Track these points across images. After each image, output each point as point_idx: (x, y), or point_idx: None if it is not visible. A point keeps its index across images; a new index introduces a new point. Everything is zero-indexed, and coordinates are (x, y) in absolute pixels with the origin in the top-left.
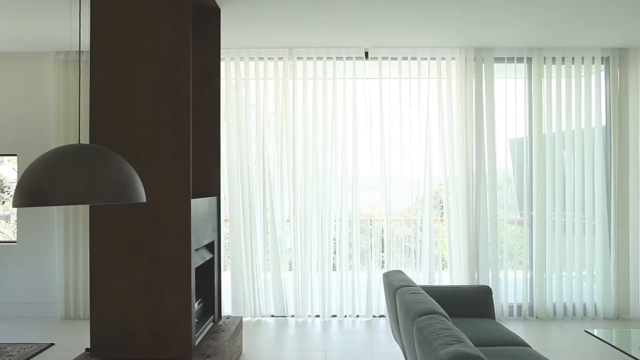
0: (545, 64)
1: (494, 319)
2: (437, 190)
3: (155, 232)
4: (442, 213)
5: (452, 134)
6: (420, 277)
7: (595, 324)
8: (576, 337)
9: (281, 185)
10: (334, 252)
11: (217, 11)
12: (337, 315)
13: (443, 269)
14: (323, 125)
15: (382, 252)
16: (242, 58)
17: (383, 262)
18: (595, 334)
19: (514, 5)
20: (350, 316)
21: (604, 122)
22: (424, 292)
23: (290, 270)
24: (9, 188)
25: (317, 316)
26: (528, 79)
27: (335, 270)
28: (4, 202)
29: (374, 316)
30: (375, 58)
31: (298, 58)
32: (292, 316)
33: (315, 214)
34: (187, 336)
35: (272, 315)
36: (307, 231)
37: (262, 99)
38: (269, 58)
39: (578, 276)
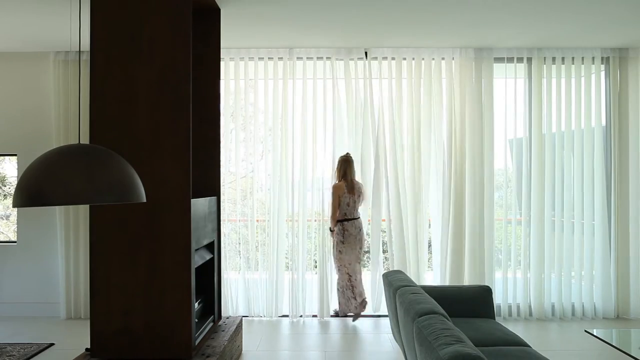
0: (545, 64)
1: (494, 319)
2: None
3: (155, 232)
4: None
5: (452, 133)
6: (421, 277)
7: (595, 324)
8: (576, 337)
9: (280, 186)
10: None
11: (217, 11)
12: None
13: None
14: (323, 125)
15: (385, 252)
16: (242, 58)
17: (386, 262)
18: (595, 334)
19: (514, 5)
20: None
21: (604, 122)
22: (424, 292)
23: (287, 269)
24: (11, 184)
25: (316, 316)
26: (528, 79)
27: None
28: (5, 197)
29: (377, 315)
30: (375, 58)
31: (298, 58)
32: (301, 316)
33: (312, 214)
34: (187, 336)
35: (272, 316)
36: (306, 231)
37: (261, 99)
38: (269, 58)
39: (578, 276)
